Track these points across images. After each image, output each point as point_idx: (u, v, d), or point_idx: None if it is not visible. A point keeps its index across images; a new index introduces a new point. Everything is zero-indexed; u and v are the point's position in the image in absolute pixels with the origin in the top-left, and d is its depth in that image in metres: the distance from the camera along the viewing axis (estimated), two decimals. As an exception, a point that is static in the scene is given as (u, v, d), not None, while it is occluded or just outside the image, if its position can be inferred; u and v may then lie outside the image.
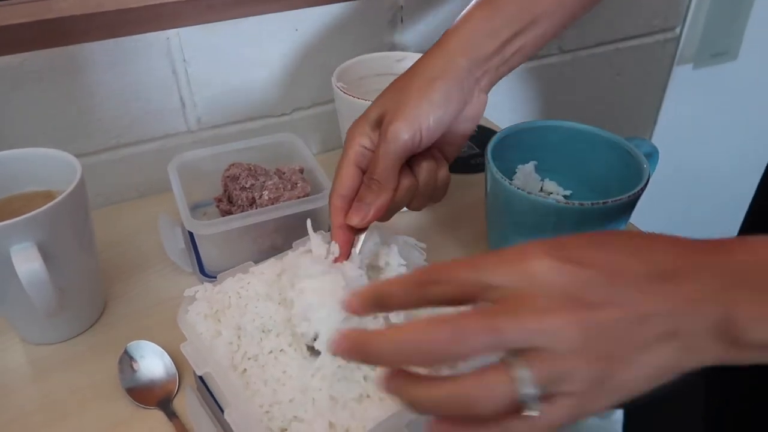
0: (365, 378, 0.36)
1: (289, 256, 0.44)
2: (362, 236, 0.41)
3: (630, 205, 0.44)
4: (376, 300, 0.29)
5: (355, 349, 0.27)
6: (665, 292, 0.26)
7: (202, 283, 0.54)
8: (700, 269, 0.26)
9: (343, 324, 0.36)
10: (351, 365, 0.36)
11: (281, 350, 0.38)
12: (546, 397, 0.25)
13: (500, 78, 0.43)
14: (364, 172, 0.41)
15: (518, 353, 0.25)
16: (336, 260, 0.40)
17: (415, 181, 0.42)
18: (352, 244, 0.41)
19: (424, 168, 0.42)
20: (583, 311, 0.25)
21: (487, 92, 0.43)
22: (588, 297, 0.26)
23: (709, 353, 0.26)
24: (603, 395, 0.26)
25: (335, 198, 0.41)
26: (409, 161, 0.41)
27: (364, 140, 0.41)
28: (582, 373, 0.25)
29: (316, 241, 0.42)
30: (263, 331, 0.40)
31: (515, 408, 0.25)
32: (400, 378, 0.27)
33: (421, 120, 0.39)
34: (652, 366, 0.26)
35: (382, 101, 0.42)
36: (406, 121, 0.39)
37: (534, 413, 0.25)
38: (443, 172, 0.43)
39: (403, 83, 0.41)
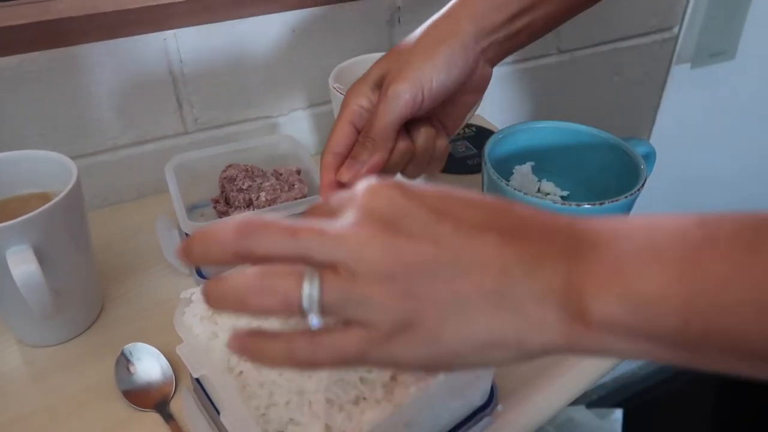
0: (362, 380, 0.36)
1: None
2: None
3: (627, 206, 0.44)
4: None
5: (186, 252, 0.25)
6: (498, 244, 0.24)
7: (199, 285, 0.54)
8: (549, 233, 0.24)
9: None
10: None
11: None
12: (346, 323, 0.24)
13: (506, 54, 0.43)
14: (359, 131, 0.40)
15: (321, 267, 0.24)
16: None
17: (412, 146, 0.41)
18: None
19: (423, 133, 0.41)
20: (392, 236, 0.24)
21: (492, 66, 0.42)
22: (405, 226, 0.24)
23: (551, 329, 0.23)
24: (411, 344, 0.24)
25: (327, 155, 0.40)
26: (408, 127, 0.41)
27: (362, 100, 0.40)
28: (382, 305, 0.23)
29: None
30: None
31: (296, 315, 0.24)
32: (210, 282, 0.25)
33: (424, 82, 0.38)
34: (478, 329, 0.23)
35: (383, 63, 0.41)
36: (408, 81, 0.38)
37: (312, 324, 0.24)
38: (442, 141, 0.42)
39: (406, 47, 0.40)
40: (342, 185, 0.39)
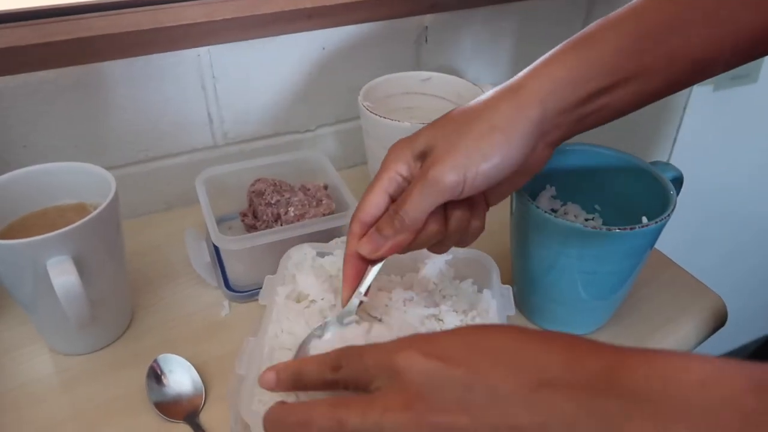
0: None
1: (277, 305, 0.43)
2: (374, 270, 0.38)
3: (657, 231, 0.44)
4: (294, 378, 0.31)
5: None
6: (532, 405, 0.24)
7: (228, 298, 0.55)
8: (579, 381, 0.24)
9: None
10: None
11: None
12: None
13: (571, 136, 0.38)
14: (394, 200, 0.38)
15: None
16: (343, 296, 0.38)
17: (443, 229, 0.38)
18: (360, 278, 0.39)
19: (457, 216, 0.38)
20: (427, 414, 0.25)
21: (553, 148, 0.38)
22: (440, 399, 0.25)
23: None
24: None
25: (355, 224, 0.38)
26: (444, 204, 0.37)
27: (401, 168, 0.38)
28: None
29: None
30: None
31: None
32: None
33: (469, 171, 0.35)
34: None
35: (432, 132, 0.37)
36: (453, 168, 0.35)
37: None
38: (477, 222, 0.39)
39: (461, 121, 0.37)
40: (363, 259, 0.38)
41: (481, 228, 0.40)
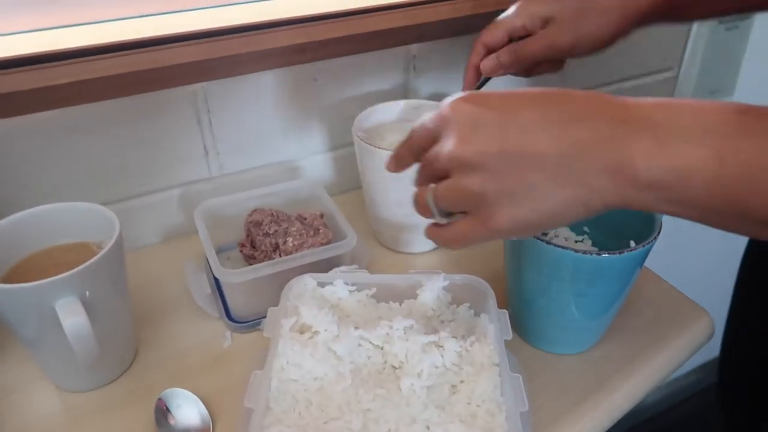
0: (456, 371, 0.43)
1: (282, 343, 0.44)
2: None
3: (644, 254, 0.46)
4: (397, 159, 0.40)
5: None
6: (555, 136, 0.30)
7: (229, 329, 0.56)
8: (599, 116, 0.30)
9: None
10: (436, 378, 0.42)
11: (367, 410, 0.40)
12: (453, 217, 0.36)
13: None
14: (511, 39, 0.54)
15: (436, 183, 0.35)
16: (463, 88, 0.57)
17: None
18: (475, 84, 0.57)
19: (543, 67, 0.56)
20: (466, 147, 0.32)
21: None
22: (476, 136, 0.32)
23: (608, 192, 0.30)
24: (499, 214, 0.32)
25: (479, 44, 0.55)
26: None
27: (527, 21, 0.52)
28: (472, 194, 0.32)
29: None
30: (340, 409, 0.41)
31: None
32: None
33: (580, 43, 0.51)
34: (545, 206, 0.31)
35: (558, 4, 0.51)
36: (564, 40, 0.51)
37: (440, 221, 0.36)
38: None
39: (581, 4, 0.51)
40: (478, 73, 0.56)
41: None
